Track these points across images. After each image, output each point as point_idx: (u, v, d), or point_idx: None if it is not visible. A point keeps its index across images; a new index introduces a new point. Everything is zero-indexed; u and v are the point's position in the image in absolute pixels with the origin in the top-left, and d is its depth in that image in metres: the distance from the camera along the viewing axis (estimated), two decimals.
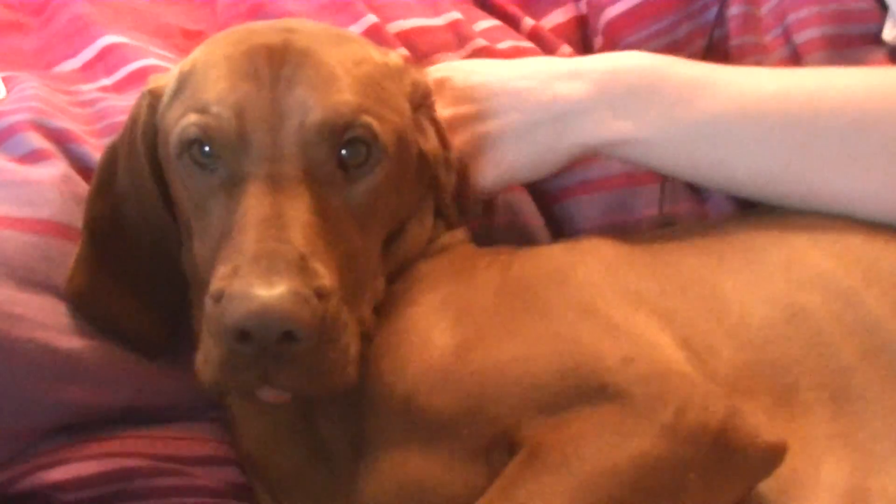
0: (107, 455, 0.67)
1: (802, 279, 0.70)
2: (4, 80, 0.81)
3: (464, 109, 0.78)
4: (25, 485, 0.66)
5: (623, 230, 0.83)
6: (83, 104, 0.81)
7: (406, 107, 0.71)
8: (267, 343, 0.58)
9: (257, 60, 0.65)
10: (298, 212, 0.61)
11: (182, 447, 0.69)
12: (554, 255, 0.73)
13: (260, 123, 0.63)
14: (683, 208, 0.86)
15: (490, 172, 0.77)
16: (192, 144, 0.64)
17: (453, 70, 0.81)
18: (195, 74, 0.67)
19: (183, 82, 0.68)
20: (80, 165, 0.75)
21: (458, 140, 0.77)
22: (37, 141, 0.74)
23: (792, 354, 0.67)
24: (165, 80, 0.70)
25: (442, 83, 0.79)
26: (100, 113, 0.80)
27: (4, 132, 0.75)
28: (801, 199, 0.74)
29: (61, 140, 0.76)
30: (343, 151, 0.64)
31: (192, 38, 0.96)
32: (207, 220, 0.64)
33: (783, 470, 0.62)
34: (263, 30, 0.69)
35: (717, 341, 0.67)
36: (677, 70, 0.75)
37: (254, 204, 0.61)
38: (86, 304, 0.69)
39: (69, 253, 0.70)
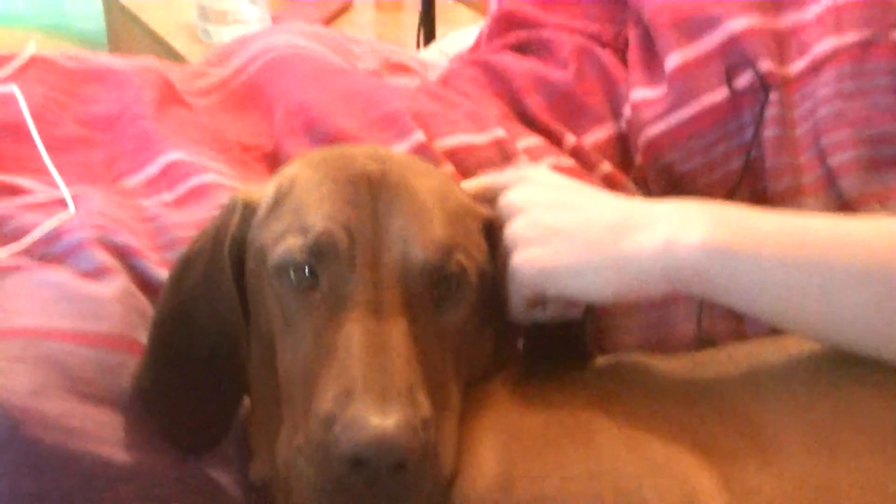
0: None
1: (841, 410, 0.70)
2: (74, 196, 0.86)
3: (537, 195, 0.77)
4: None
5: (662, 346, 0.85)
6: (145, 220, 0.86)
7: (482, 241, 0.75)
8: (380, 471, 0.60)
9: (359, 187, 0.69)
10: (400, 340, 0.65)
11: None
12: (598, 381, 0.75)
13: (365, 249, 0.67)
14: (721, 326, 0.87)
15: (529, 268, 0.73)
16: (294, 264, 0.67)
17: (539, 169, 0.81)
18: (295, 194, 0.71)
19: (281, 200, 0.72)
20: (141, 279, 0.80)
21: (514, 225, 0.75)
22: (101, 256, 0.79)
23: (837, 493, 0.67)
24: (259, 195, 0.74)
25: (522, 176, 0.79)
26: (160, 228, 0.85)
27: (72, 249, 0.80)
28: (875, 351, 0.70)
29: (124, 255, 0.80)
30: (436, 283, 0.69)
31: (248, 151, 1.01)
32: (300, 335, 0.67)
33: None
34: (358, 156, 0.73)
35: (757, 474, 0.68)
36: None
37: (359, 329, 0.65)
38: (148, 399, 0.72)
39: (128, 364, 0.74)
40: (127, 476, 0.70)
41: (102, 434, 0.70)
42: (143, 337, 0.75)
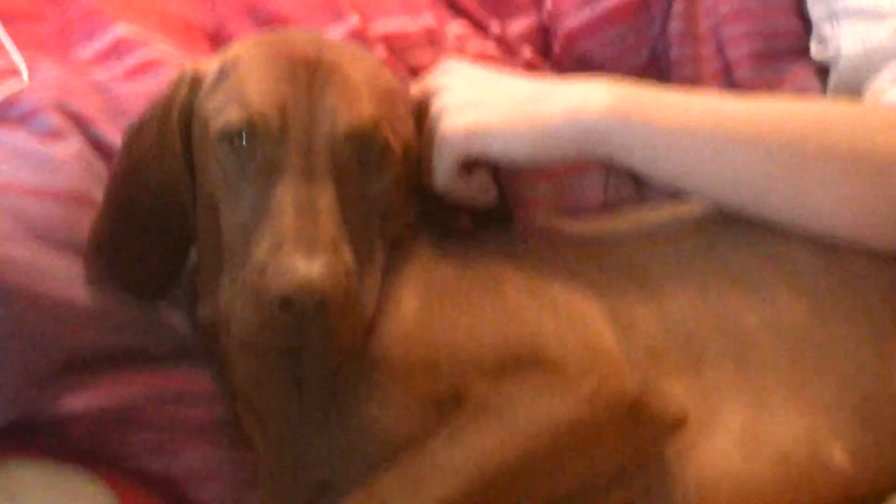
0: (113, 388, 0.78)
1: (715, 261, 0.81)
2: (28, 66, 0.90)
3: (460, 76, 0.85)
4: (41, 414, 0.76)
5: (571, 212, 0.95)
6: (98, 90, 0.91)
7: (409, 120, 0.83)
8: (305, 311, 0.68)
9: (296, 67, 0.76)
10: (327, 201, 0.73)
11: (180, 383, 0.81)
12: (510, 239, 0.86)
13: (297, 121, 0.75)
14: (625, 193, 0.97)
15: (456, 131, 0.81)
16: (233, 134, 0.75)
17: (461, 62, 0.90)
18: (238, 69, 0.78)
19: (225, 73, 0.78)
20: (96, 144, 0.85)
21: (441, 100, 0.83)
22: (57, 120, 0.84)
23: (703, 323, 0.79)
24: (206, 68, 0.80)
25: (446, 67, 0.88)
26: (113, 98, 0.90)
27: (29, 113, 0.85)
28: (768, 214, 0.81)
29: (80, 121, 0.86)
30: (362, 154, 0.76)
31: (192, 30, 1.05)
32: (240, 197, 0.75)
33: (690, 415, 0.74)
34: (296, 40, 0.80)
35: (641, 312, 0.79)
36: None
37: (290, 191, 0.72)
38: (103, 252, 0.80)
39: (85, 219, 0.81)
40: (89, 317, 0.77)
41: (66, 275, 0.77)
42: (98, 195, 0.82)
